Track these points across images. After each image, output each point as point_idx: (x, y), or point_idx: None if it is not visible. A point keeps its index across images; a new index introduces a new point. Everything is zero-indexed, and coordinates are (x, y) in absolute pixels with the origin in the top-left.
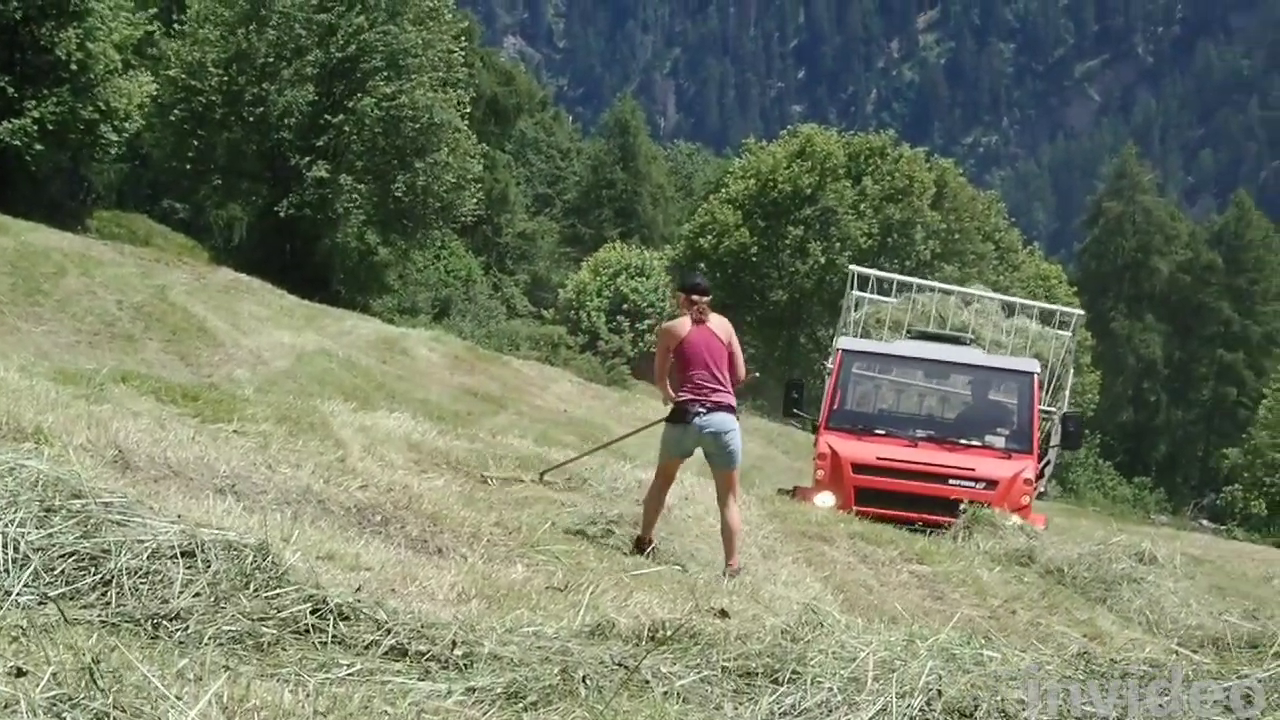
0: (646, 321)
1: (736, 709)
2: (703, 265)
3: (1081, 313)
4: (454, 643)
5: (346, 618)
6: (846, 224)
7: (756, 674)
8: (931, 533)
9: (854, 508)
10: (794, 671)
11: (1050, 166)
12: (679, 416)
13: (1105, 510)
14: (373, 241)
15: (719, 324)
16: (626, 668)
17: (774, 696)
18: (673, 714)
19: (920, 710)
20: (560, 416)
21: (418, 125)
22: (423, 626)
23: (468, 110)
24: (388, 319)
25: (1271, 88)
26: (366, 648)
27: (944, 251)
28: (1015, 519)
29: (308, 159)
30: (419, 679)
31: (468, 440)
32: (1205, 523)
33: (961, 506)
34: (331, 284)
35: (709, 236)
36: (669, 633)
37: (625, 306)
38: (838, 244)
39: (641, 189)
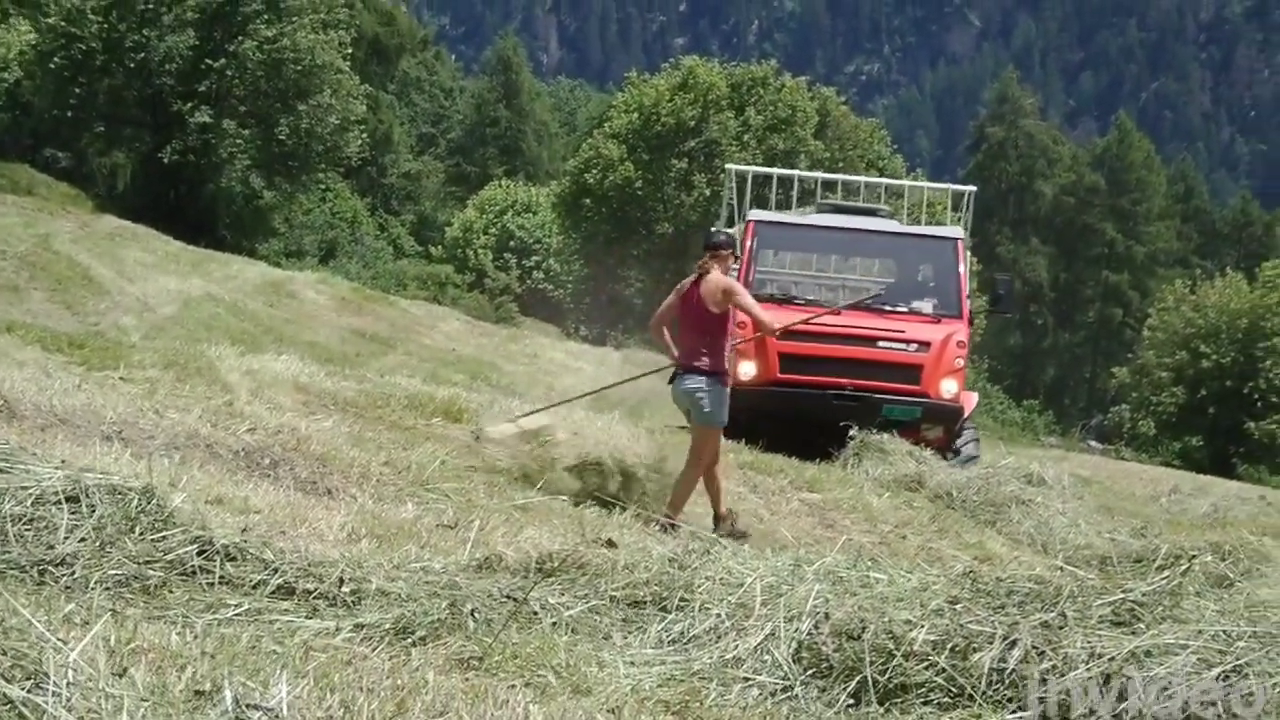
0: (534, 258)
1: (625, 637)
2: (588, 200)
3: (974, 188)
4: (341, 580)
5: (233, 558)
6: (730, 155)
7: (645, 602)
8: (831, 454)
9: (777, 376)
10: (682, 599)
11: (932, 93)
12: (670, 375)
13: (994, 434)
14: (257, 185)
15: (711, 285)
16: (515, 600)
17: (662, 624)
18: (561, 644)
19: (808, 633)
20: (449, 355)
21: (300, 68)
22: (310, 565)
23: (349, 51)
24: (274, 262)
25: (1150, 9)
26: (254, 587)
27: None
28: (904, 444)
29: (190, 104)
30: (307, 617)
31: (356, 381)
32: (1094, 443)
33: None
34: (217, 229)
35: (594, 172)
36: (557, 564)
37: (512, 244)
38: (722, 175)
39: (525, 126)
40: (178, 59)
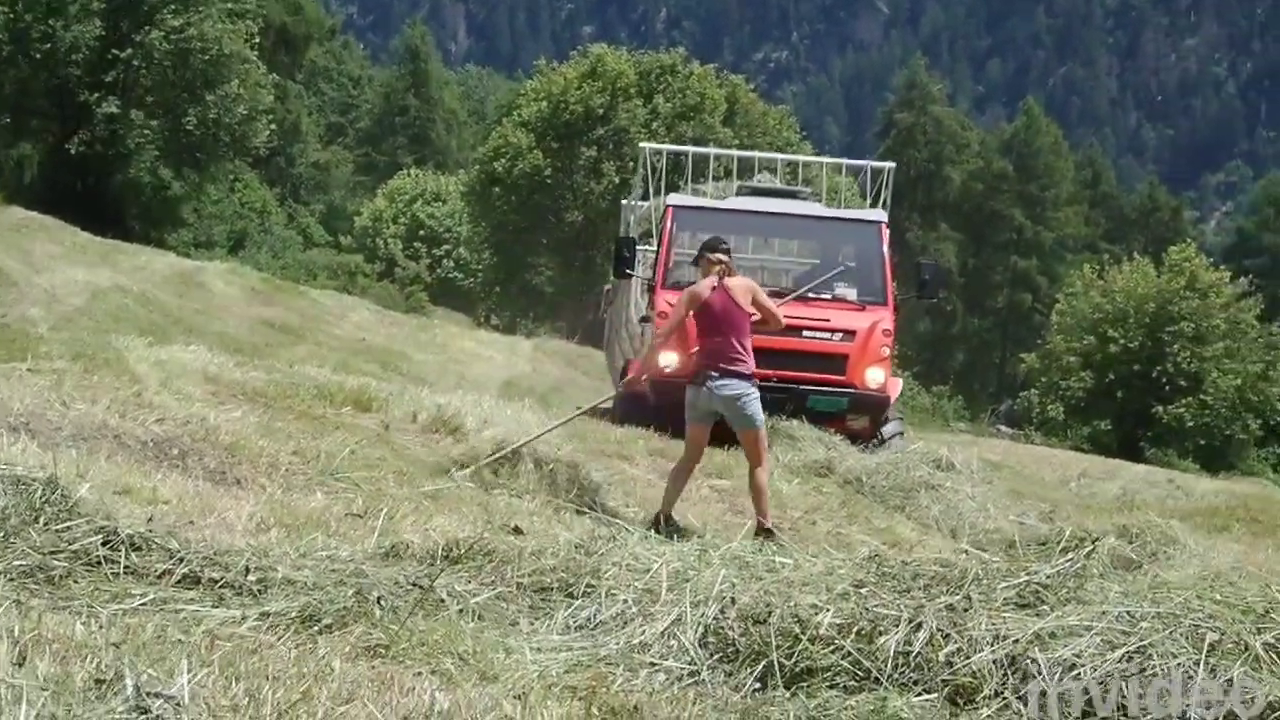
0: (444, 247)
1: (532, 624)
2: (497, 189)
3: (892, 165)
4: (247, 569)
5: (138, 548)
6: (639, 143)
7: (551, 589)
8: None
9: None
10: (588, 585)
11: (841, 80)
12: (696, 379)
13: (905, 420)
14: (165, 176)
15: (740, 286)
16: (421, 587)
17: (569, 610)
18: (468, 631)
19: (714, 618)
20: (359, 345)
21: (207, 57)
22: (216, 554)
23: (257, 41)
24: (183, 253)
25: None
26: (159, 577)
27: (738, 168)
28: (813, 430)
29: (97, 95)
30: (213, 606)
31: (265, 371)
32: (1003, 428)
33: None
34: (125, 220)
35: (503, 160)
36: (463, 551)
37: (422, 233)
38: (631, 163)
39: (434, 115)
40: (84, 49)
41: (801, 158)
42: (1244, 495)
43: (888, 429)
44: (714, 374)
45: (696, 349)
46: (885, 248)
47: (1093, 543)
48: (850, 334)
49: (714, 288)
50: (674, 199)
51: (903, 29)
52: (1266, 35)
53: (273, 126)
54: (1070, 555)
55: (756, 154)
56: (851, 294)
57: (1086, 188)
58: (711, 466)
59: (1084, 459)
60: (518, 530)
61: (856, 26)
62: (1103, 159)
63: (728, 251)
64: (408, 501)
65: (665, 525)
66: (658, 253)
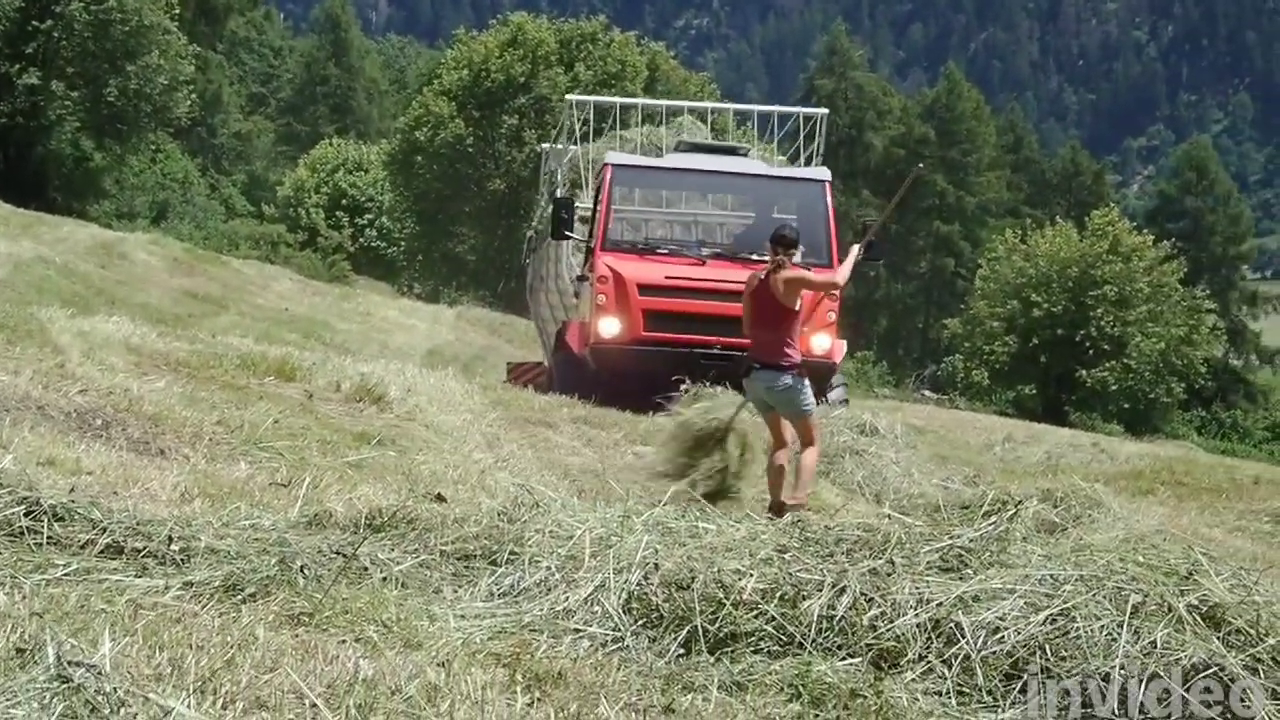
0: (366, 216)
1: (455, 591)
2: (419, 158)
3: (826, 111)
4: (170, 538)
5: (61, 519)
6: (560, 111)
7: (474, 556)
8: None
9: (642, 334)
10: (512, 552)
11: (762, 47)
12: (743, 370)
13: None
14: (87, 147)
15: (784, 279)
16: (344, 555)
17: (493, 577)
18: (391, 599)
19: (638, 584)
20: (282, 314)
21: (127, 28)
22: (139, 524)
23: (177, 11)
24: (105, 224)
25: None
26: (82, 547)
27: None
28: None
29: (18, 67)
30: (136, 576)
31: (188, 342)
32: (928, 393)
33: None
34: (47, 191)
35: (424, 129)
36: (386, 519)
37: (344, 202)
38: (553, 131)
39: (356, 84)
40: (4, 21)
41: (732, 105)
42: (1168, 458)
43: (833, 395)
44: (755, 365)
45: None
46: (831, 207)
47: (1016, 506)
48: None
49: (761, 280)
50: (612, 157)
51: None
52: None
53: (194, 97)
54: (993, 519)
55: (684, 103)
56: (795, 255)
57: (1009, 152)
58: (636, 433)
59: (1008, 423)
60: (440, 498)
61: None
62: (1025, 123)
63: (783, 242)
64: (332, 471)
65: (778, 514)
66: (594, 211)
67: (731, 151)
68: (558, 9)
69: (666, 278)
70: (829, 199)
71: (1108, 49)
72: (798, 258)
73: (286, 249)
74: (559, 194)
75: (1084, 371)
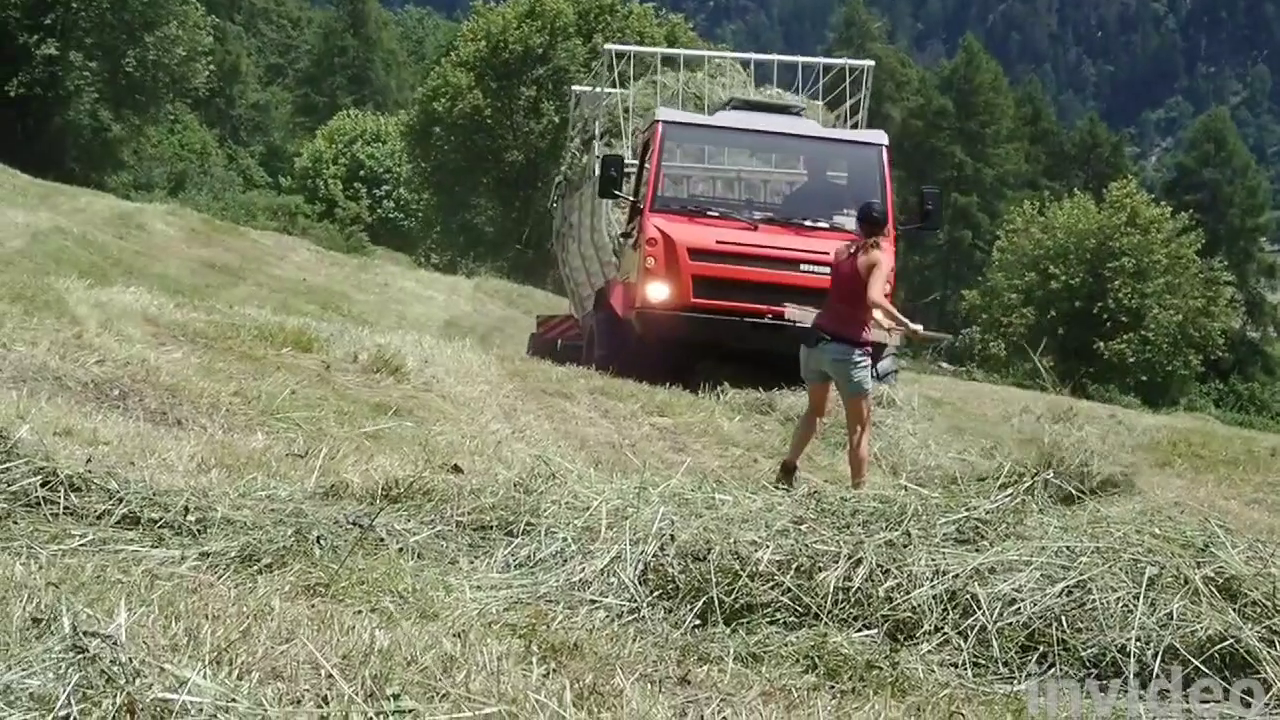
0: (384, 187)
1: (472, 562)
2: (437, 129)
3: (872, 63)
4: (186, 509)
5: (78, 489)
6: (579, 81)
7: (491, 527)
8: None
9: (691, 300)
10: (528, 523)
11: (780, 18)
12: (808, 339)
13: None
14: (105, 118)
15: (867, 259)
16: (361, 526)
17: (509, 548)
18: (408, 570)
19: (654, 555)
20: (299, 285)
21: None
22: (155, 495)
23: None
24: (123, 195)
25: None
26: (99, 518)
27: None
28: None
29: (36, 37)
30: (152, 546)
31: (205, 312)
32: (945, 365)
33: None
34: (65, 162)
35: (443, 100)
36: (402, 490)
37: (362, 173)
38: (569, 101)
39: (374, 55)
40: None
41: (775, 57)
42: (1185, 431)
43: (883, 365)
44: (825, 336)
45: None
46: (887, 172)
47: (1033, 478)
48: None
49: (850, 254)
50: (664, 113)
51: None
52: None
53: (212, 68)
54: (1009, 491)
55: (727, 53)
56: (850, 223)
57: (1027, 124)
58: (653, 405)
59: (1025, 395)
60: (457, 469)
61: None
62: (1043, 95)
63: (872, 222)
64: (348, 441)
65: (784, 476)
66: (641, 167)
67: (785, 110)
68: None
69: (718, 242)
70: (885, 163)
71: (1126, 21)
72: (851, 224)
73: (304, 220)
74: (596, 144)
75: (1102, 344)
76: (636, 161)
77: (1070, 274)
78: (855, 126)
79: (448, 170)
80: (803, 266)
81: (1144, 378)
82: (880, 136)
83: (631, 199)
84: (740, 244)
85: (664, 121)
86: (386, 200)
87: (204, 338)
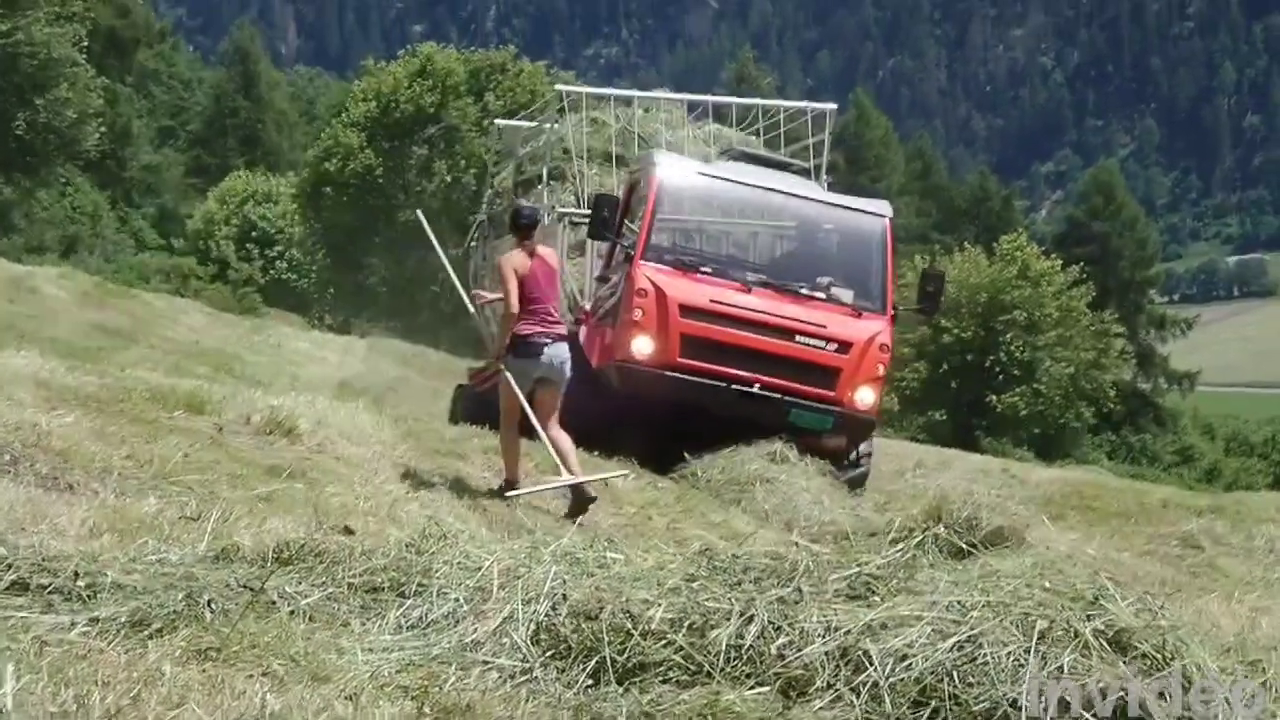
0: (276, 248)
1: (363, 624)
2: (329, 189)
3: (834, 106)
4: (76, 574)
5: None
6: (471, 141)
7: (383, 588)
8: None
9: (677, 360)
10: (420, 584)
11: (671, 75)
12: (528, 350)
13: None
14: None
15: (550, 254)
16: (252, 589)
17: (401, 610)
18: (299, 633)
19: (546, 615)
20: (192, 348)
21: (35, 61)
22: (45, 560)
23: (85, 44)
24: (14, 258)
25: None
26: None
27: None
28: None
29: None
30: (41, 612)
31: (98, 376)
32: None
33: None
34: None
35: (334, 160)
36: (294, 552)
37: (254, 234)
38: (463, 161)
39: (265, 116)
40: None
41: (732, 100)
42: (1078, 483)
43: (862, 447)
44: (548, 339)
45: None
46: (890, 246)
47: (923, 532)
48: (846, 345)
49: (530, 255)
50: (662, 160)
51: (731, 22)
52: (1092, 25)
53: (103, 130)
54: (899, 546)
55: (686, 95)
56: (847, 296)
57: (917, 179)
58: (547, 464)
59: (920, 449)
60: (349, 530)
61: (686, 22)
62: (933, 150)
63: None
64: (241, 504)
65: (514, 488)
66: (620, 214)
67: (784, 167)
68: (468, 39)
69: (711, 301)
70: (889, 236)
71: (1015, 75)
72: (848, 297)
73: (197, 282)
74: (538, 182)
75: (994, 397)
76: (619, 206)
77: (962, 327)
78: (818, 169)
79: (340, 230)
80: (798, 338)
81: (1037, 430)
82: (885, 207)
83: (612, 240)
84: (736, 306)
85: (661, 169)
86: (279, 261)
87: (96, 401)
